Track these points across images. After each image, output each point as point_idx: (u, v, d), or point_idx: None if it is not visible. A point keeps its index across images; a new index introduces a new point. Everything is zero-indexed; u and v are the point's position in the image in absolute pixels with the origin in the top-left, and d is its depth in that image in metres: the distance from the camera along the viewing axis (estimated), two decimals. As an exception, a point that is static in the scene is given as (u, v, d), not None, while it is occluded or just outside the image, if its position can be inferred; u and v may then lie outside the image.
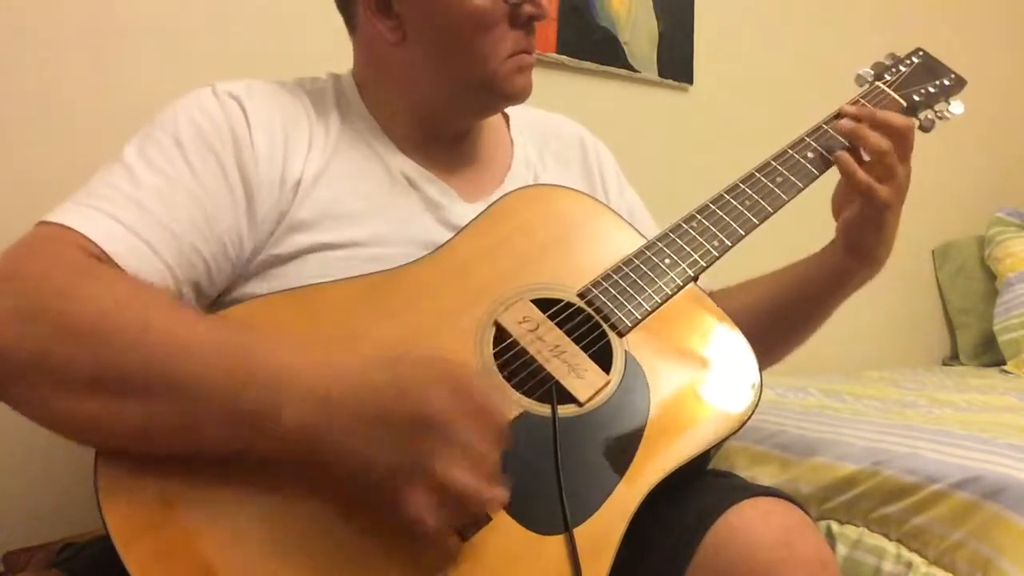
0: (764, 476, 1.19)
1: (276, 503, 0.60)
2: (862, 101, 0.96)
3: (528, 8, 0.82)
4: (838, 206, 0.94)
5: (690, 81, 1.84)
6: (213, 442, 0.60)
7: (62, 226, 0.67)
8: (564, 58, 1.63)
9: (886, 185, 0.87)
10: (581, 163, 1.01)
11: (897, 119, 0.89)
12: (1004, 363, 2.06)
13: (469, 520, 0.60)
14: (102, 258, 0.67)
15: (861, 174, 0.87)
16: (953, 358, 2.30)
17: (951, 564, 0.97)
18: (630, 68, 1.74)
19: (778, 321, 0.94)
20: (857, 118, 0.90)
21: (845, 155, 0.89)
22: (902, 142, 0.88)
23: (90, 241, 0.67)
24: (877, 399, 1.51)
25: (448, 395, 0.58)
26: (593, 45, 1.68)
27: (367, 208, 0.81)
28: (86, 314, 0.61)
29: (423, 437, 0.57)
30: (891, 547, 1.04)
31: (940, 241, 2.34)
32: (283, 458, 0.59)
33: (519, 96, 0.87)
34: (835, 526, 1.10)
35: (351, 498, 0.60)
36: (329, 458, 0.59)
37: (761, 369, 0.77)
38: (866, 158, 0.89)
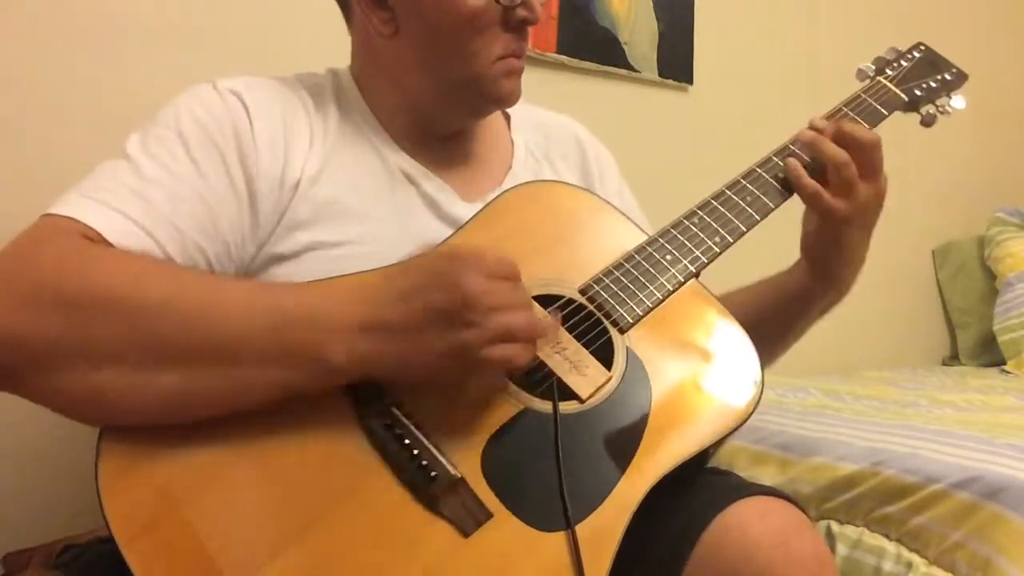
0: (764, 476, 1.19)
1: (279, 496, 0.60)
2: (847, 110, 0.95)
3: (521, 12, 0.82)
4: (804, 219, 0.91)
5: (690, 81, 1.84)
6: (261, 388, 0.61)
7: (67, 218, 0.67)
8: (564, 58, 1.63)
9: (843, 200, 0.84)
10: (580, 163, 1.00)
11: (862, 133, 0.85)
12: (1004, 363, 2.06)
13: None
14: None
15: (807, 180, 0.85)
16: (953, 358, 2.30)
17: (951, 564, 0.97)
18: (630, 68, 1.74)
19: (760, 333, 0.85)
20: (819, 130, 0.87)
21: (793, 160, 0.87)
22: (863, 156, 0.84)
23: (96, 232, 0.66)
24: (877, 399, 1.51)
25: (479, 271, 0.62)
26: (593, 45, 1.68)
27: (366, 206, 0.81)
28: (110, 286, 0.61)
29: (472, 311, 0.61)
30: (891, 547, 1.03)
31: (940, 241, 2.34)
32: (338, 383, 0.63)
33: (506, 100, 0.86)
34: (835, 526, 1.09)
35: (356, 491, 0.61)
36: (392, 372, 0.63)
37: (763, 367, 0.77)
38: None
